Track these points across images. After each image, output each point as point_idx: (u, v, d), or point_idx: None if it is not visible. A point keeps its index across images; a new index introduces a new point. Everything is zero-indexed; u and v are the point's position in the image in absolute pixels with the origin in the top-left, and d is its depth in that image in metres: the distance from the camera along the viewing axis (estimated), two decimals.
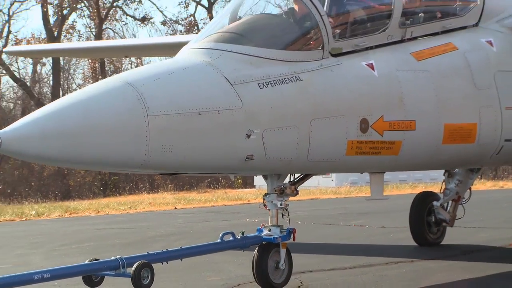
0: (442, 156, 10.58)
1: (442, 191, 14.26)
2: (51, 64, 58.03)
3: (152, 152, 7.85)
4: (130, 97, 7.81)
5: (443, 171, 13.64)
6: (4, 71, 59.34)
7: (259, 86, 8.61)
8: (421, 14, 10.70)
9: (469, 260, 12.73)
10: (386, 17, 10.14)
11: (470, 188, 14.22)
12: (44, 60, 57.55)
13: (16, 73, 59.37)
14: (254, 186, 42.58)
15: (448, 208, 14.24)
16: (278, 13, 9.91)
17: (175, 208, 27.20)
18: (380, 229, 14.61)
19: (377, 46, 9.87)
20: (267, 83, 8.68)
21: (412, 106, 9.86)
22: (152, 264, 8.62)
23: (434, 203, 14.31)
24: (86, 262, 8.68)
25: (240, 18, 9.63)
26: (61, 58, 55.18)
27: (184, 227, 18.40)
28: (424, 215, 14.46)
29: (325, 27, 9.29)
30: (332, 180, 37.35)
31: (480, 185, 35.76)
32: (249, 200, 29.43)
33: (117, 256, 8.66)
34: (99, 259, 8.74)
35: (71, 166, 8.55)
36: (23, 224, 22.81)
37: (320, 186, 34.09)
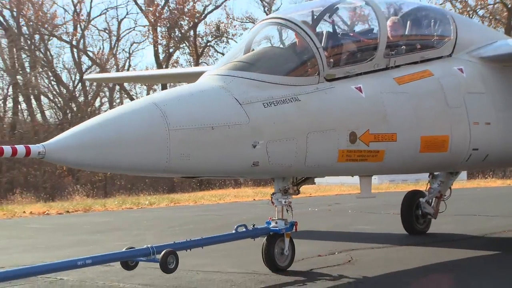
0: (420, 162, 10.18)
1: (427, 189, 13.97)
2: (160, 89, 58.52)
3: (172, 160, 7.53)
4: (155, 114, 7.50)
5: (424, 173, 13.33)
6: (126, 95, 60.40)
7: (264, 106, 8.25)
8: (403, 47, 10.32)
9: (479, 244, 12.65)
10: (373, 49, 9.76)
11: (450, 188, 13.89)
12: (155, 86, 57.07)
13: (134, 97, 59.70)
14: (314, 183, 41.44)
15: (432, 203, 13.85)
16: (282, 45, 9.58)
17: (254, 199, 27.60)
18: None
19: (365, 73, 9.46)
20: (270, 103, 8.31)
21: (393, 121, 9.46)
22: (178, 252, 8.27)
23: (421, 199, 13.98)
24: (123, 250, 8.33)
25: (253, 50, 9.34)
26: (168, 84, 55.81)
27: (261, 214, 18.12)
28: (413, 209, 14.14)
29: (321, 58, 8.94)
30: (375, 178, 36.58)
31: (492, 183, 36.23)
32: (310, 194, 29.44)
33: (149, 245, 8.31)
34: (134, 247, 8.40)
35: (105, 171, 8.30)
36: (139, 211, 23.49)
37: None
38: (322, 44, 9.22)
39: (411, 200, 14.23)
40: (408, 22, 10.82)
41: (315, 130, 8.67)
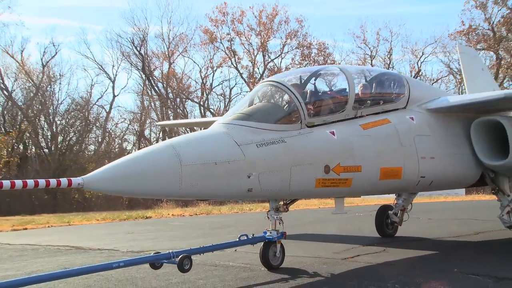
0: (380, 187, 9.38)
1: (394, 204, 13.36)
2: None
3: (184, 187, 6.91)
4: (171, 153, 6.92)
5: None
6: None
7: (257, 146, 7.60)
8: (368, 101, 9.63)
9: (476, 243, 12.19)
10: (344, 103, 9.06)
11: (411, 203, 13.28)
12: None
13: None
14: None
15: (398, 215, 13.23)
16: (273, 101, 8.90)
17: (319, 207, 27.58)
18: (428, 220, 15.55)
19: (337, 121, 8.77)
20: (262, 144, 7.66)
21: (359, 156, 8.72)
22: (192, 256, 7.62)
23: (389, 212, 13.37)
24: (151, 254, 7.71)
25: (255, 104, 8.67)
26: None
27: (319, 218, 18.30)
28: (384, 219, 13.43)
29: (303, 110, 8.30)
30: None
31: (482, 197, 35.41)
32: (357, 203, 29.38)
33: (170, 250, 7.67)
34: (160, 252, 7.77)
35: (132, 196, 7.67)
36: (243, 214, 24.00)
37: None
38: (305, 100, 8.58)
39: (383, 212, 13.57)
40: (373, 84, 10.15)
41: (297, 164, 7.97)
